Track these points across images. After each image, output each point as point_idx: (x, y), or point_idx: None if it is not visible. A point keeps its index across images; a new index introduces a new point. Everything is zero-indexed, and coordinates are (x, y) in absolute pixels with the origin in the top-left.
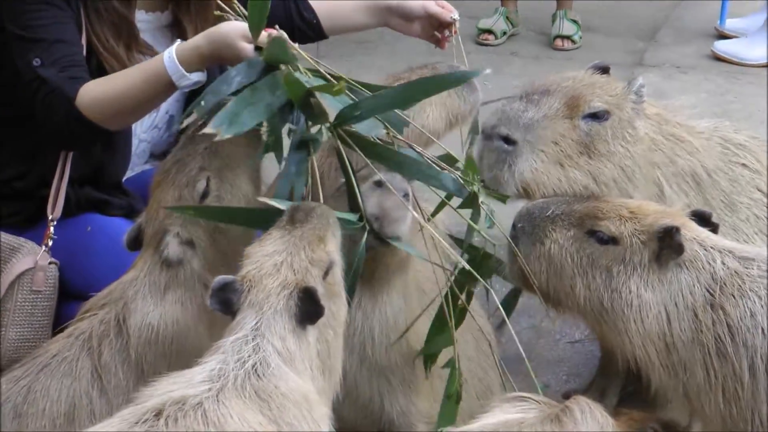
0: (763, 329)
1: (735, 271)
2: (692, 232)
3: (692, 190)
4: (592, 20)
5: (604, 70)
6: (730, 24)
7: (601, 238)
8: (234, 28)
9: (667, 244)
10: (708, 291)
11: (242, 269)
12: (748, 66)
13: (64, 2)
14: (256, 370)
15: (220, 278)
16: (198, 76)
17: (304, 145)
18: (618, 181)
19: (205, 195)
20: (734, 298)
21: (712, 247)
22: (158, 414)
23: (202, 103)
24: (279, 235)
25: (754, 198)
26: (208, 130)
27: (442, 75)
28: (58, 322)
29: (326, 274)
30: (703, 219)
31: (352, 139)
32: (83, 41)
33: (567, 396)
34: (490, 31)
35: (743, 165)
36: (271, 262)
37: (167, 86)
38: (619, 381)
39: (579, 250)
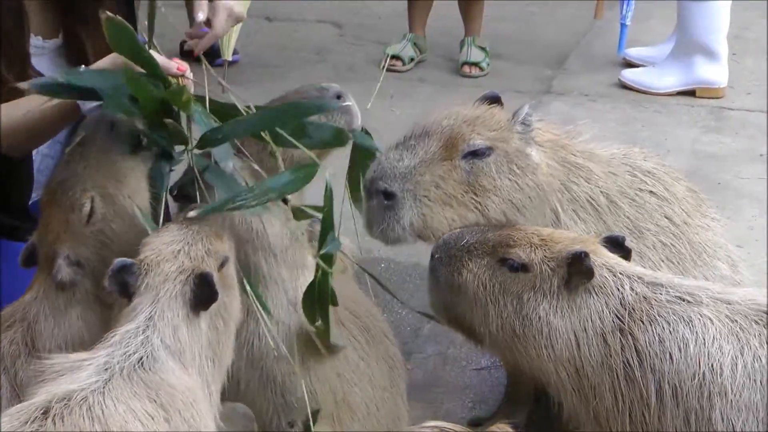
0: (671, 355)
1: (644, 297)
2: (602, 257)
3: (591, 216)
4: (501, 47)
5: (495, 99)
6: (637, 53)
7: (512, 265)
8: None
9: (576, 270)
10: (617, 316)
11: (140, 254)
12: (655, 95)
13: None
14: (142, 363)
15: (119, 260)
16: None
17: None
18: (507, 214)
19: (90, 216)
20: (643, 323)
21: (621, 273)
22: (46, 412)
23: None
24: (177, 227)
25: (661, 225)
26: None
27: (304, 103)
28: None
29: (221, 266)
30: (616, 244)
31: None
32: None
33: (474, 423)
34: (398, 57)
35: (651, 192)
36: (169, 249)
37: (72, 111)
38: (525, 408)
39: (491, 278)
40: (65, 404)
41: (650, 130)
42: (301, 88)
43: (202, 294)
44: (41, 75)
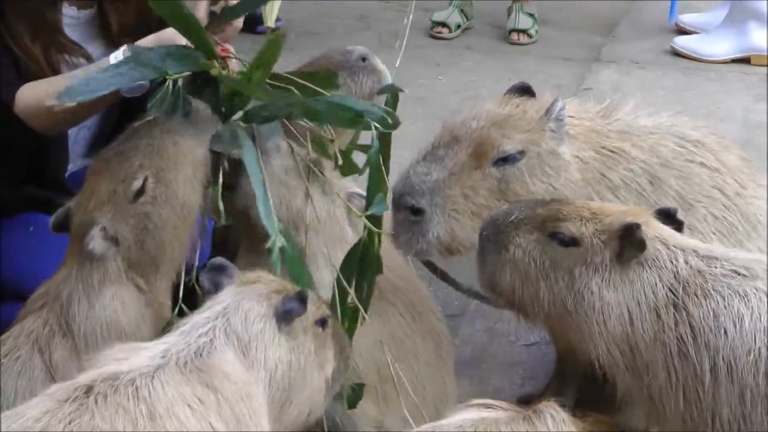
0: (725, 330)
1: (698, 270)
2: (655, 230)
3: (633, 197)
4: (549, 14)
5: (526, 90)
6: (690, 19)
7: (562, 239)
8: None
9: (628, 242)
10: (671, 290)
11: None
12: (708, 62)
13: None
14: (200, 352)
15: (219, 258)
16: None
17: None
18: None
19: (139, 194)
20: (697, 297)
21: (674, 246)
22: (88, 391)
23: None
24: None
25: (712, 196)
26: (51, 101)
27: (351, 107)
28: None
29: (322, 324)
30: (668, 216)
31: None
32: None
33: (523, 400)
34: (444, 24)
35: (700, 163)
36: (274, 280)
37: (113, 91)
38: (575, 385)
39: (542, 253)
40: (110, 384)
41: (702, 98)
42: (328, 52)
43: (292, 306)
44: (75, 43)
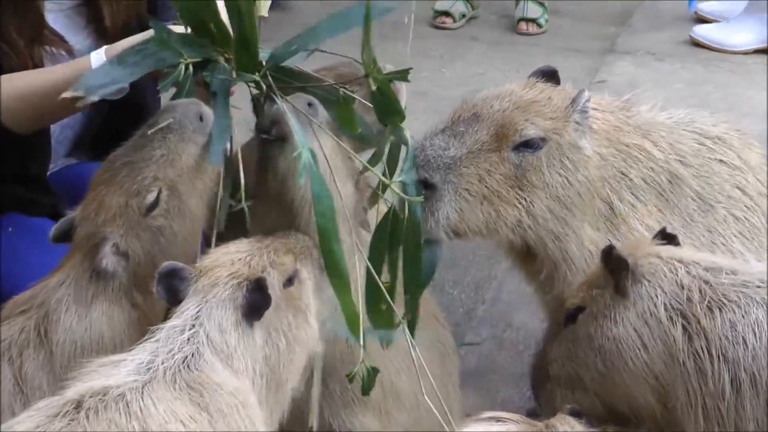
0: (744, 340)
1: (704, 281)
2: (648, 248)
3: (652, 197)
4: (560, 2)
5: (551, 75)
6: (710, 7)
7: (572, 316)
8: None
9: (613, 268)
10: (675, 300)
11: (198, 263)
12: (729, 53)
13: None
14: (187, 363)
15: (169, 263)
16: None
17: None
18: (554, 211)
19: (152, 207)
20: (709, 309)
21: (671, 257)
22: (78, 406)
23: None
24: (247, 241)
25: (733, 196)
26: (68, 93)
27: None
28: None
29: (289, 282)
30: (665, 237)
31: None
32: None
33: (533, 413)
34: (447, 14)
35: (720, 161)
36: (228, 258)
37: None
38: None
39: (571, 346)
40: (100, 399)
41: (723, 91)
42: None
43: (255, 300)
44: (57, 34)
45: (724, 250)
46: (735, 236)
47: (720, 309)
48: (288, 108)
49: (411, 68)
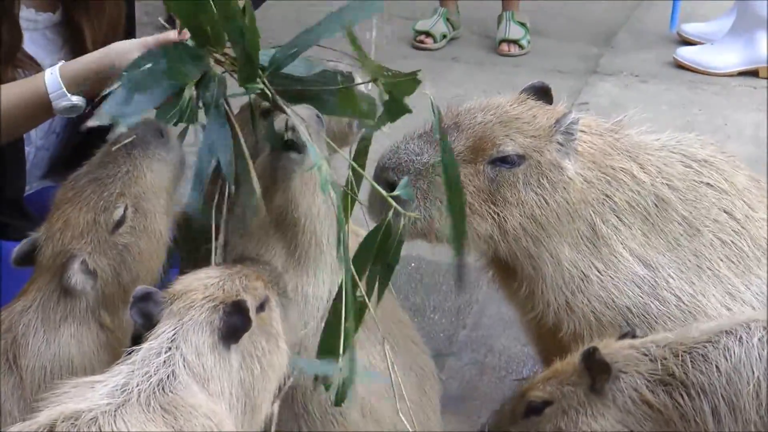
0: (717, 366)
1: (679, 342)
2: (618, 344)
3: (637, 220)
4: (542, 23)
5: (544, 92)
6: (694, 29)
7: (536, 408)
8: (134, 43)
9: (594, 368)
10: (653, 374)
11: (170, 288)
12: (713, 75)
13: None
14: (162, 385)
15: (141, 288)
16: (78, 99)
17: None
18: (527, 229)
19: (119, 224)
20: (682, 362)
21: (640, 343)
22: (51, 431)
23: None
24: (217, 268)
25: (720, 220)
26: (93, 122)
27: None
28: None
29: (261, 308)
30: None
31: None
32: None
33: None
34: (428, 34)
35: (707, 184)
36: (200, 282)
37: (45, 107)
38: None
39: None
40: (72, 423)
41: (708, 113)
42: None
43: (234, 322)
44: (30, 56)
45: (711, 275)
46: (721, 260)
47: (689, 353)
48: (299, 121)
49: (420, 70)
